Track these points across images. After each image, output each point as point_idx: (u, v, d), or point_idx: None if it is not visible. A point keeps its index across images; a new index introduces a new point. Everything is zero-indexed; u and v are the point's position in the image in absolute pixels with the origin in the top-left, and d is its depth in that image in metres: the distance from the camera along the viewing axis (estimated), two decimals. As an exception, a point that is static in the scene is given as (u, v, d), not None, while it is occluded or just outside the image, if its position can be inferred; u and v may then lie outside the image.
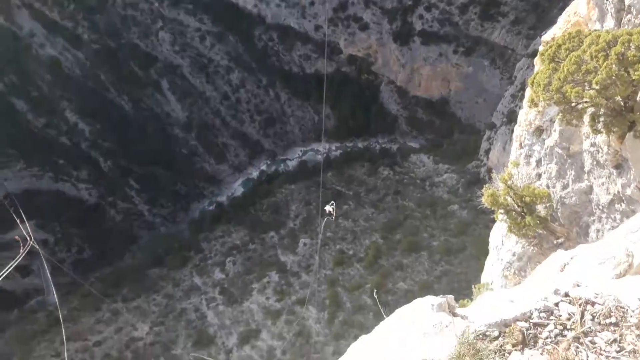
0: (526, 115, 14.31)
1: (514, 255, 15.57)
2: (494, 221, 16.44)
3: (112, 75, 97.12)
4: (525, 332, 4.26)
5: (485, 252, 18.94)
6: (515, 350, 4.10)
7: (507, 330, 4.33)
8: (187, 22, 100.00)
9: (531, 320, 4.40)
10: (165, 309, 69.81)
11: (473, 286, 16.53)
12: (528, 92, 12.38)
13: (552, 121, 12.85)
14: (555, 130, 12.67)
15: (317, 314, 62.04)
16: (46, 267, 61.82)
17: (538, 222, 13.13)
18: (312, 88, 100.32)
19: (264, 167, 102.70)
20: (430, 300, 5.29)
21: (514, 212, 13.35)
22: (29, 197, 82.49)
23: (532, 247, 14.78)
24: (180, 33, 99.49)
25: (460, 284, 53.94)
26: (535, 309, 4.52)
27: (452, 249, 63.37)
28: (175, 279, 75.14)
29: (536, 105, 11.56)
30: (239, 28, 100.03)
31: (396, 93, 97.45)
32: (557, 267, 6.76)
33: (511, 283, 15.04)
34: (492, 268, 17.26)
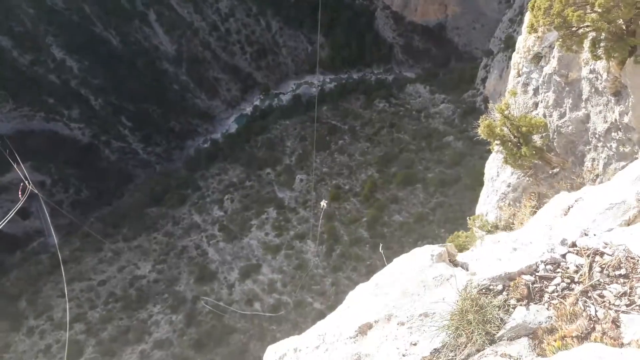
0: (525, 42, 13.68)
1: (508, 186, 15.47)
2: (489, 152, 16.22)
3: (98, 8, 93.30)
4: (530, 285, 4.06)
5: (480, 183, 18.85)
6: (520, 305, 3.91)
7: (511, 284, 4.12)
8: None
9: (537, 274, 4.17)
10: (166, 247, 71.12)
11: (468, 218, 16.57)
12: (527, 17, 11.76)
13: (551, 47, 12.28)
14: (554, 57, 12.14)
15: (315, 247, 63.41)
16: (45, 209, 61.98)
17: (534, 152, 12.93)
18: (304, 15, 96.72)
19: (257, 102, 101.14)
20: (429, 249, 5.09)
21: (509, 143, 13.10)
22: (22, 138, 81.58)
23: (527, 178, 14.66)
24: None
25: (455, 214, 54.72)
26: (542, 261, 4.29)
27: (446, 180, 63.77)
28: (175, 217, 76.02)
29: (536, 30, 10.99)
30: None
31: (392, 19, 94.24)
32: (560, 209, 6.53)
33: (505, 214, 15.04)
34: (487, 199, 17.24)
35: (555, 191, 12.60)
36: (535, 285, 4.09)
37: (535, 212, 12.27)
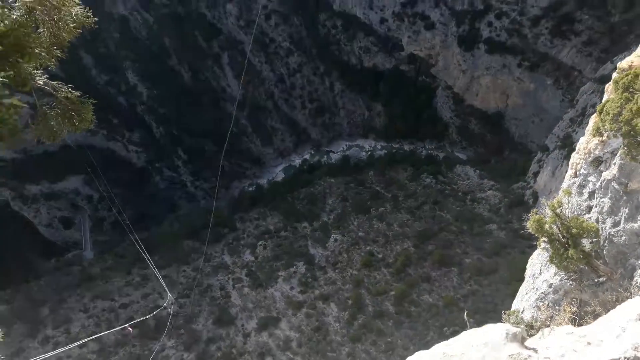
0: (587, 144, 13.52)
1: (550, 286, 14.85)
2: (531, 247, 15.75)
3: (176, 42, 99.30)
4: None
5: (518, 278, 18.18)
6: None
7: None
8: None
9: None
10: (192, 281, 71.30)
11: (503, 312, 15.91)
12: (592, 119, 11.71)
13: (613, 154, 12.08)
14: (615, 164, 11.91)
15: (338, 312, 61.88)
16: (87, 223, 64.10)
17: (581, 256, 12.49)
18: (367, 82, 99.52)
19: (307, 156, 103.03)
20: (504, 328, 5.00)
21: (557, 242, 12.73)
22: (81, 151, 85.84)
23: (570, 282, 14.07)
24: (248, 8, 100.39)
25: (487, 305, 52.44)
26: (625, 357, 4.15)
27: (483, 269, 61.48)
28: (207, 254, 76.58)
29: (600, 134, 10.91)
30: (305, 10, 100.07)
31: (452, 99, 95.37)
32: (635, 314, 6.30)
33: (543, 315, 14.35)
34: (526, 296, 16.56)
35: (599, 301, 12.03)
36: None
37: (575, 318, 11.72)
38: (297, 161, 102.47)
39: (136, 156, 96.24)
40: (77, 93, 5.90)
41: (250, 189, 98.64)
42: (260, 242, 77.70)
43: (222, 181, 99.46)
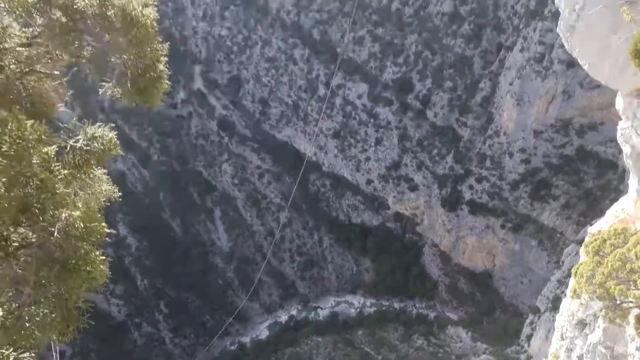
0: (569, 305, 13.61)
1: None
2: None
3: (171, 196, 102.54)
4: None
5: None
6: None
7: None
8: (250, 158, 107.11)
9: None
10: None
11: None
12: (571, 282, 11.99)
13: (595, 316, 12.13)
14: (599, 327, 11.88)
15: None
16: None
17: None
18: (355, 238, 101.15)
19: (294, 312, 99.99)
20: None
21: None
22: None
23: None
24: (242, 168, 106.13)
25: None
26: None
27: None
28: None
29: (579, 296, 11.08)
30: (296, 171, 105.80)
31: (439, 257, 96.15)
32: None
33: None
34: None
35: None
36: None
37: None
38: (284, 317, 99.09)
39: (117, 310, 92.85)
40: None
41: (232, 347, 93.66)
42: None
43: (204, 337, 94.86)
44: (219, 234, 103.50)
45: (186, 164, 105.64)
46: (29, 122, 3.03)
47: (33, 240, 3.72)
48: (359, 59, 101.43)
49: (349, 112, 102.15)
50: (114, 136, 4.51)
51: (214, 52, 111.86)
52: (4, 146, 2.75)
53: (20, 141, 2.81)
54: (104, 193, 5.08)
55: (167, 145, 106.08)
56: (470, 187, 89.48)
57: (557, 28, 15.15)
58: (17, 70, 3.44)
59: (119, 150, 4.71)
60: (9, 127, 2.78)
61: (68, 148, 3.98)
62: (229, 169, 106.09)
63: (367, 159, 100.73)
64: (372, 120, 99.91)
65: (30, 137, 2.91)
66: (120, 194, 5.51)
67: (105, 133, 4.34)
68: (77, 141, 4.07)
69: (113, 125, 4.86)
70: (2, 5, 3.28)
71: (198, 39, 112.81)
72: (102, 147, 4.25)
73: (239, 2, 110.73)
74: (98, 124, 4.44)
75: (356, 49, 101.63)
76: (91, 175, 4.44)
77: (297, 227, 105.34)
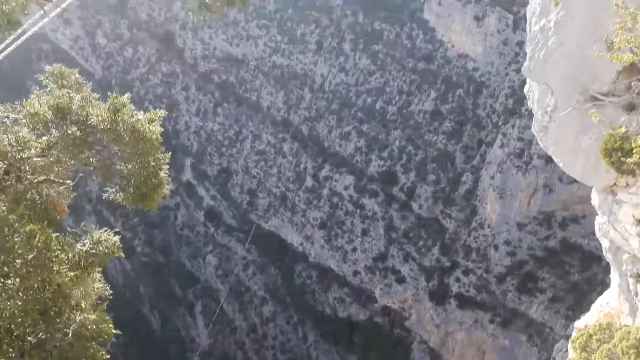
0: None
1: None
2: None
3: (151, 289, 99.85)
4: None
5: None
6: None
7: None
8: (236, 249, 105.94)
9: None
10: None
11: None
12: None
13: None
14: None
15: None
16: None
17: None
18: (341, 333, 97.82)
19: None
20: None
21: None
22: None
23: None
24: (227, 259, 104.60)
25: None
26: None
27: None
28: None
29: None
30: (282, 262, 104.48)
31: (428, 355, 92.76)
32: None
33: None
34: None
35: None
36: None
37: None
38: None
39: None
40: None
41: None
42: None
43: None
44: (198, 329, 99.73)
45: (170, 255, 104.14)
46: (54, 235, 3.28)
47: (45, 340, 3.89)
48: (345, 153, 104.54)
49: (336, 203, 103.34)
50: (117, 240, 4.77)
51: (205, 145, 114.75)
52: (30, 255, 2.98)
53: (46, 252, 3.05)
54: (96, 291, 5.25)
55: (153, 236, 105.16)
56: (457, 279, 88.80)
57: (532, 128, 16.16)
58: (34, 180, 3.74)
59: (121, 253, 4.96)
60: (37, 239, 3.03)
61: (75, 251, 4.19)
62: (213, 261, 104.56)
63: (354, 249, 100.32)
64: (358, 210, 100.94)
65: (54, 248, 3.14)
66: (111, 292, 5.66)
67: (109, 237, 4.58)
68: (84, 245, 4.30)
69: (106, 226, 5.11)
70: (24, 121, 3.65)
71: (190, 133, 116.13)
72: (105, 250, 4.47)
73: (232, 99, 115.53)
74: (104, 228, 4.68)
75: (342, 144, 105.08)
76: (92, 276, 4.63)
77: (281, 322, 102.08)
